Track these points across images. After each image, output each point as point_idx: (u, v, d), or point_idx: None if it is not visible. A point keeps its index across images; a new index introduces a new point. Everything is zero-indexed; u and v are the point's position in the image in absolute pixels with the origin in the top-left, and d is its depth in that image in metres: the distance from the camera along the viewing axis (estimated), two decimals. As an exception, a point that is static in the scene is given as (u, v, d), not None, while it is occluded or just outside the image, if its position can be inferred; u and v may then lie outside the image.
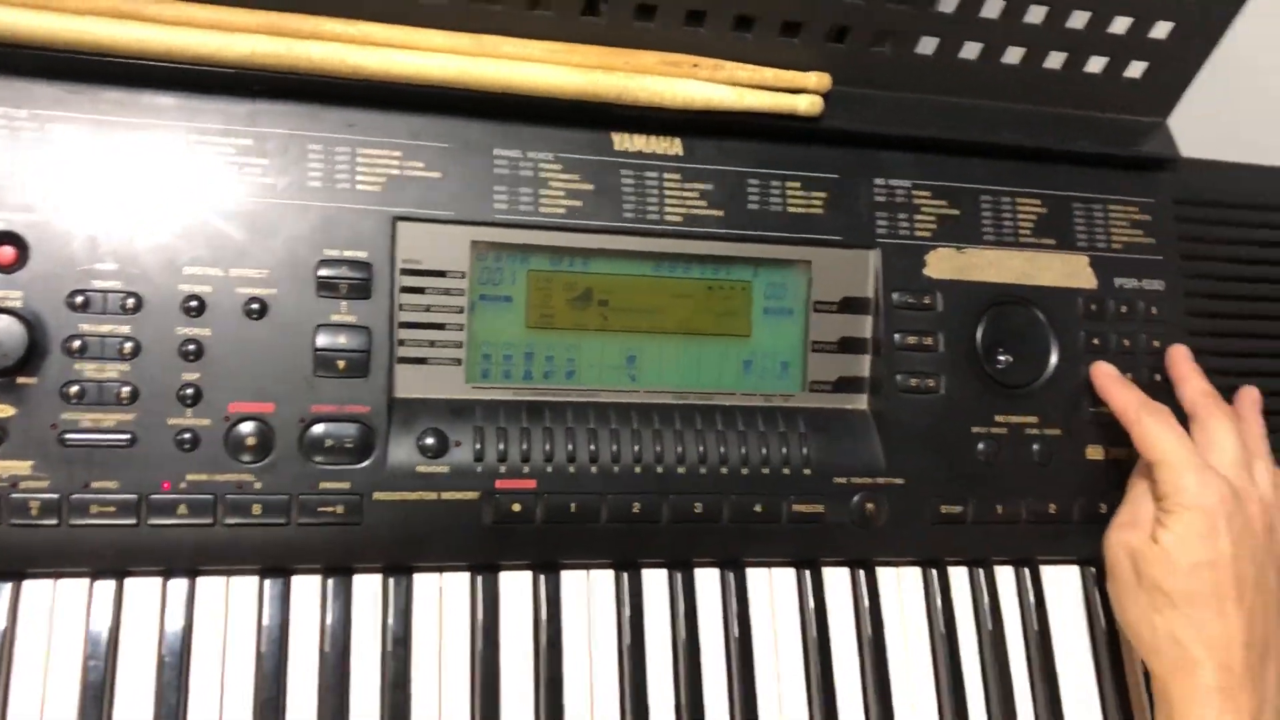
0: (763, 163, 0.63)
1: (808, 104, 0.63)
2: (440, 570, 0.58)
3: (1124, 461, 0.66)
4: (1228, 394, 0.66)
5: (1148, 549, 0.60)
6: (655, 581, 0.61)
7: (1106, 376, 0.65)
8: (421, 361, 0.58)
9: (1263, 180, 0.72)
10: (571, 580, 0.59)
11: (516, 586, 0.59)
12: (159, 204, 0.55)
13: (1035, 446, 0.65)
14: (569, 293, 0.61)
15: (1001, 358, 0.66)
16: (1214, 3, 0.64)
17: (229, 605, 0.55)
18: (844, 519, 0.62)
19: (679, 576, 0.61)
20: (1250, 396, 0.66)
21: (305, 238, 0.56)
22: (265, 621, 0.55)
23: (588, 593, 0.59)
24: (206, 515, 0.54)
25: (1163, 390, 0.66)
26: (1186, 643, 0.57)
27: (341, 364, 0.55)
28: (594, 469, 0.58)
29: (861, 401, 0.64)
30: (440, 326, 0.58)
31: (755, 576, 0.62)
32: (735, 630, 0.61)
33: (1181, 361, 0.66)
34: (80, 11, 0.54)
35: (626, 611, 0.59)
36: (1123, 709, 0.65)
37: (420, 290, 0.58)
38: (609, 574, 0.60)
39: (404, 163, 0.58)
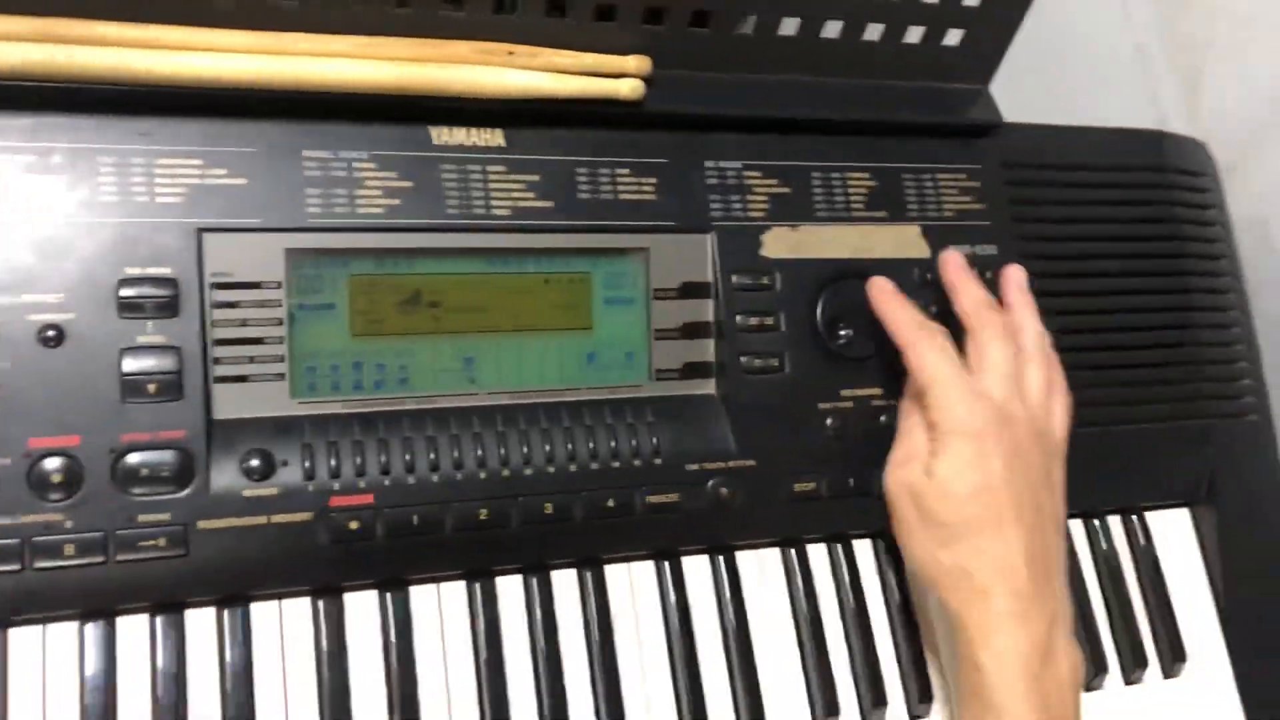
0: (590, 150, 0.62)
1: (630, 88, 0.62)
2: (279, 598, 0.55)
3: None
4: (1072, 354, 0.68)
5: (924, 483, 0.60)
6: (510, 588, 0.59)
7: (882, 292, 0.65)
8: (241, 379, 0.55)
9: (1086, 141, 0.74)
10: (421, 596, 0.57)
11: (362, 607, 0.56)
12: (-66, 230, 0.51)
13: (881, 418, 0.65)
14: (396, 296, 0.59)
15: (842, 332, 0.66)
16: (1019, -31, 0.66)
17: (46, 657, 0.52)
18: (700, 505, 0.61)
19: (534, 581, 0.59)
20: (1015, 281, 0.67)
21: (103, 257, 0.53)
22: (88, 671, 0.51)
23: (439, 607, 0.57)
24: (13, 561, 0.50)
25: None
26: (974, 571, 0.58)
27: (152, 387, 0.52)
28: (435, 478, 0.56)
29: (709, 386, 0.64)
30: (258, 341, 0.55)
31: (614, 574, 0.61)
32: (596, 633, 0.59)
33: (953, 270, 0.66)
34: None
35: (481, 623, 0.58)
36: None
37: (233, 304, 0.55)
38: (460, 585, 0.58)
39: (205, 171, 0.55)
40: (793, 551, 0.65)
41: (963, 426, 0.59)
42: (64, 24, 0.52)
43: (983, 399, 0.60)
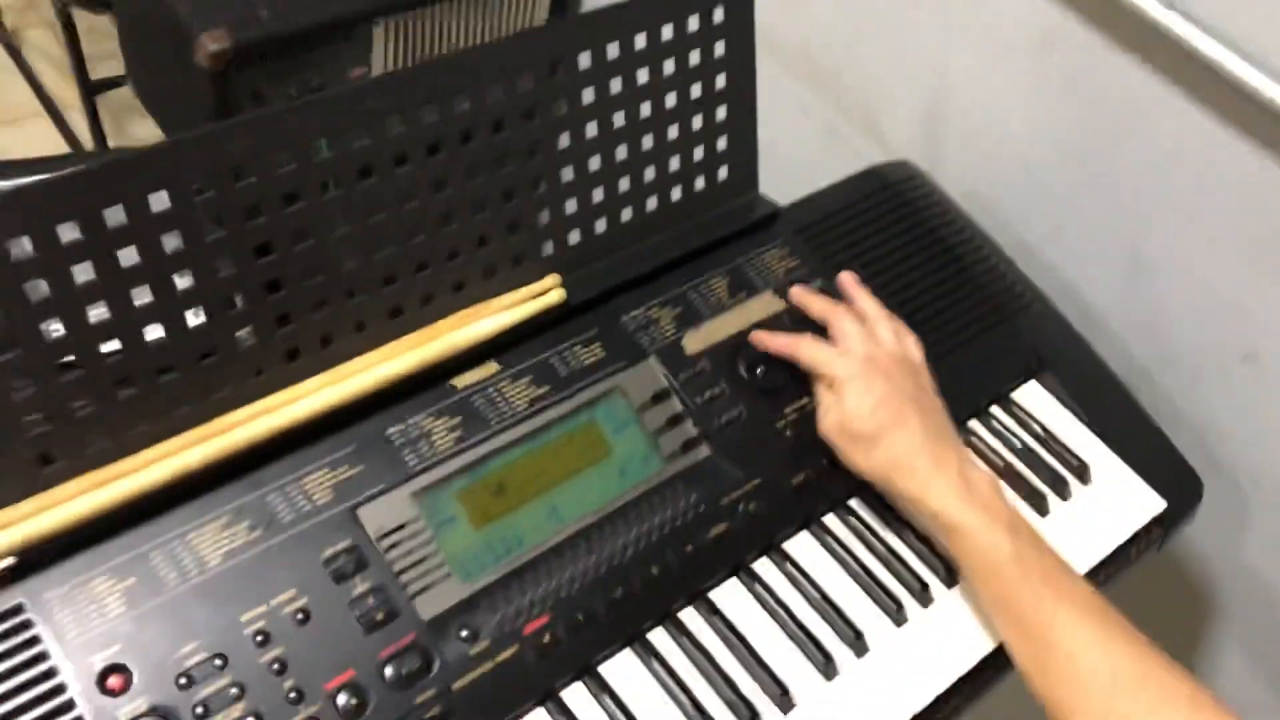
0: (552, 345, 0.88)
1: (558, 296, 0.89)
2: (523, 714, 0.76)
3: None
4: (911, 323, 0.97)
5: (841, 418, 0.84)
6: (658, 638, 0.81)
7: (764, 339, 0.90)
8: (427, 588, 0.76)
9: (841, 193, 1.06)
10: (608, 670, 0.79)
11: (576, 696, 0.78)
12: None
13: (810, 409, 0.90)
14: (489, 491, 0.81)
15: (760, 373, 0.92)
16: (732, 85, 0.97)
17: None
18: (742, 525, 0.85)
19: (672, 624, 0.81)
20: (848, 280, 0.93)
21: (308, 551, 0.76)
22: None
23: (623, 673, 0.79)
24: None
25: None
26: (898, 455, 0.81)
27: (380, 617, 0.73)
28: (577, 585, 0.79)
29: (705, 449, 0.88)
30: (423, 559, 0.77)
31: (718, 594, 0.84)
32: (733, 636, 0.81)
33: (801, 295, 0.93)
34: None
35: (657, 666, 0.79)
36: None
37: (397, 545, 0.77)
38: (627, 652, 0.80)
39: (335, 472, 0.78)
40: (815, 527, 0.89)
41: (846, 373, 0.84)
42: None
43: (850, 354, 0.87)
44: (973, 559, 0.79)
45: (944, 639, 0.83)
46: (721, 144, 0.97)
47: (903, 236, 1.05)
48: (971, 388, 0.98)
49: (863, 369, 0.85)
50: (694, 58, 0.92)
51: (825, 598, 0.85)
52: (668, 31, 0.90)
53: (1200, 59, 0.92)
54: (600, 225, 0.93)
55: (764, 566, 0.87)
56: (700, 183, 0.98)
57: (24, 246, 0.64)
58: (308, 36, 1.32)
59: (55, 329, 0.66)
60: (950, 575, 0.88)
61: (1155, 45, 0.97)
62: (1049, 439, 0.99)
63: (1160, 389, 1.10)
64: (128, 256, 0.68)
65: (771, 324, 0.95)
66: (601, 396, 0.88)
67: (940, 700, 0.80)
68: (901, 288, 1.01)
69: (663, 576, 0.82)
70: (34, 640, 0.66)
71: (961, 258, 1.06)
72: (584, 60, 0.86)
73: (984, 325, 1.03)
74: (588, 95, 0.87)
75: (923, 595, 0.86)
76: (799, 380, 0.92)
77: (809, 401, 0.92)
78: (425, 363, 0.83)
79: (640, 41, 0.88)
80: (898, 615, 0.85)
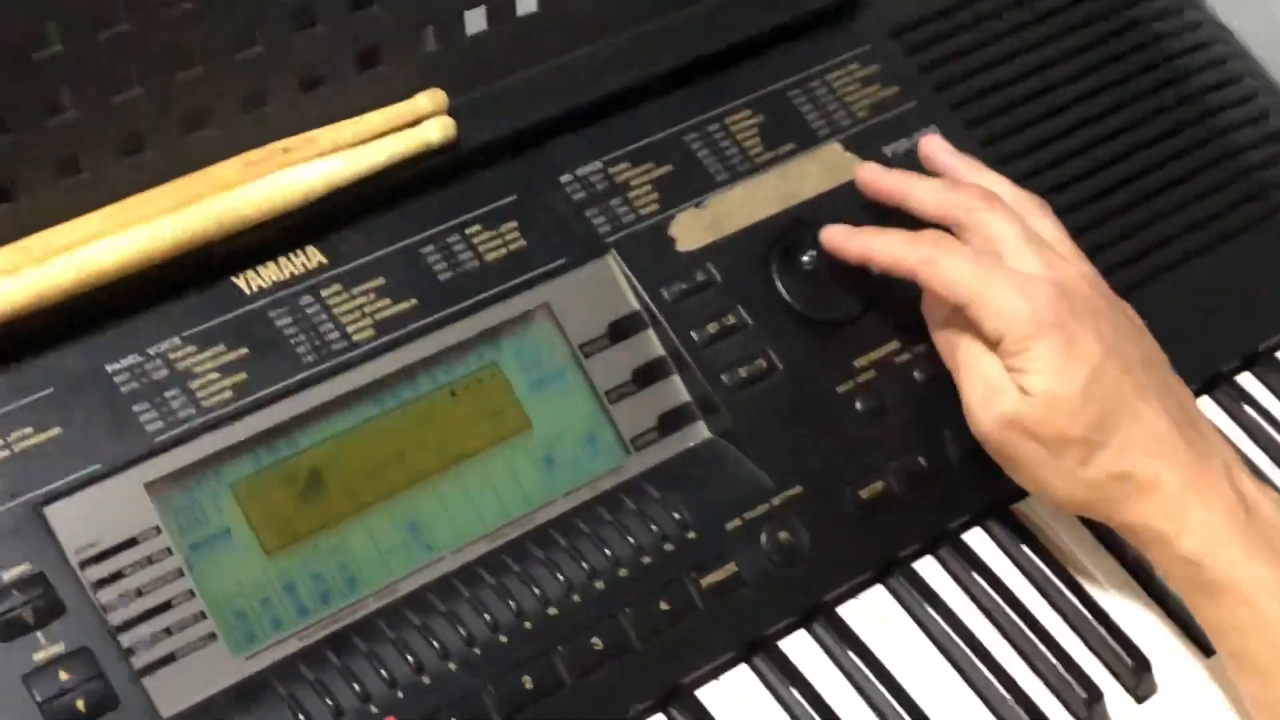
0: (428, 222, 0.82)
1: (440, 130, 0.81)
2: None
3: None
4: (1075, 208, 0.91)
5: (1026, 408, 0.78)
6: None
7: (845, 238, 0.85)
8: (169, 659, 0.69)
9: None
10: None
11: None
12: None
13: (916, 373, 0.85)
14: (293, 488, 0.75)
15: (821, 297, 0.86)
16: None
17: None
18: (765, 565, 0.79)
19: None
20: (938, 149, 0.88)
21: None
22: None
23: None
24: None
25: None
26: (1131, 469, 0.77)
27: (82, 706, 0.66)
28: (452, 667, 0.72)
29: (701, 429, 0.82)
30: (166, 606, 0.70)
31: (712, 697, 0.77)
32: None
33: (935, 158, 0.88)
34: None
35: None
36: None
37: (117, 575, 0.70)
38: None
39: (7, 439, 0.70)
40: (900, 578, 0.82)
41: (1035, 321, 0.78)
42: None
43: (1033, 280, 0.80)
44: (1254, 644, 0.76)
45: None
46: None
47: (1095, 52, 1.00)
48: (1206, 337, 0.94)
49: (1056, 309, 0.79)
50: None
51: (914, 711, 0.79)
52: None
53: None
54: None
55: (801, 647, 0.80)
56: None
57: None
58: None
59: None
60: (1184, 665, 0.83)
61: None
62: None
63: None
64: None
65: (841, 202, 0.89)
66: (514, 324, 0.81)
67: None
68: (1089, 156, 0.96)
69: (616, 657, 0.75)
70: None
71: (1210, 103, 1.01)
72: None
73: (1236, 222, 0.98)
74: None
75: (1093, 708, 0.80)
76: (892, 311, 0.87)
77: (909, 356, 0.86)
78: (184, 240, 0.75)
79: None
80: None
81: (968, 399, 0.81)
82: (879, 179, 0.87)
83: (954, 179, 0.87)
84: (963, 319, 0.81)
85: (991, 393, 0.80)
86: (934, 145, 0.89)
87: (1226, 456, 0.79)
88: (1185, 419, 0.80)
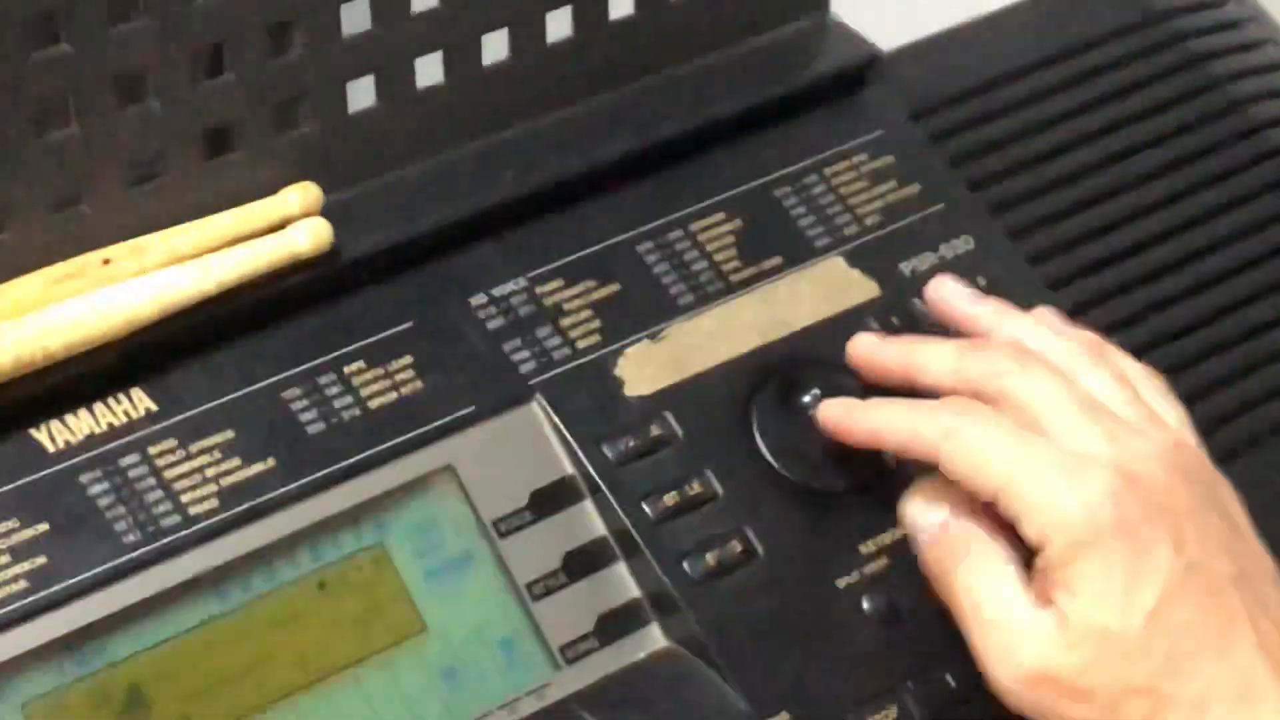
0: (293, 358, 0.88)
1: (311, 237, 0.88)
2: None
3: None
4: (1157, 343, 0.98)
5: (1067, 657, 0.80)
6: None
7: (841, 414, 0.89)
8: None
9: (1013, 26, 1.07)
10: None
11: None
12: None
13: None
14: (106, 710, 0.79)
15: (814, 458, 0.92)
16: None
17: None
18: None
19: None
20: (951, 293, 0.92)
21: None
22: None
23: None
24: None
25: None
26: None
27: None
28: None
29: (656, 635, 0.88)
30: None
31: None
32: None
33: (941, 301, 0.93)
34: None
35: None
36: None
37: None
38: None
39: None
40: None
41: (1090, 523, 0.80)
42: None
43: (1088, 463, 0.82)
44: None
45: None
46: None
47: (1157, 123, 1.07)
48: None
49: (1120, 507, 0.81)
50: None
51: None
52: None
53: None
54: (430, 67, 0.93)
55: None
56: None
57: None
58: None
59: None
60: None
61: None
62: None
63: None
64: None
65: (847, 333, 0.93)
66: (405, 492, 0.87)
67: None
68: (1166, 252, 1.03)
69: None
70: None
71: None
72: None
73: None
74: None
75: None
76: (910, 474, 0.91)
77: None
78: None
79: None
80: None
81: (980, 646, 0.83)
82: (876, 354, 0.91)
83: (975, 334, 0.91)
84: (966, 528, 0.85)
85: (1015, 636, 0.82)
86: (944, 290, 0.93)
87: None
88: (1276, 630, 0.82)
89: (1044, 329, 0.90)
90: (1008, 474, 0.81)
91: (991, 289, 0.97)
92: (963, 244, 0.99)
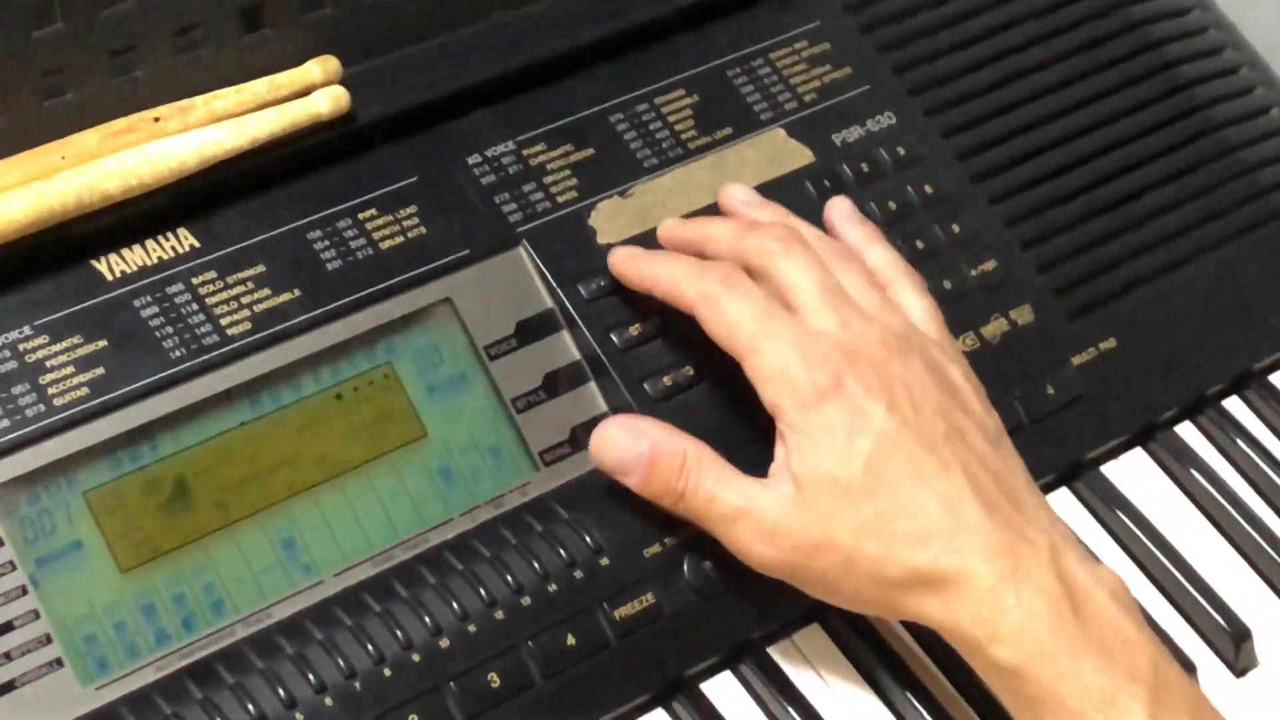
0: (315, 205, 0.85)
1: (331, 102, 0.85)
2: None
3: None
4: (1045, 206, 0.96)
5: (804, 511, 0.78)
6: None
7: (624, 261, 0.87)
8: (7, 688, 0.72)
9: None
10: None
11: None
12: None
13: None
14: (155, 498, 0.78)
15: None
16: None
17: None
18: (688, 599, 0.82)
19: None
20: (841, 214, 0.91)
21: None
22: None
23: None
24: None
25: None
26: (935, 562, 0.77)
27: None
28: (328, 701, 0.75)
29: None
30: (9, 627, 0.73)
31: None
32: None
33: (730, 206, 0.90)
34: None
35: None
36: None
37: None
38: None
39: None
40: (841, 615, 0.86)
41: (813, 388, 0.79)
42: None
43: (818, 339, 0.80)
44: None
45: None
46: None
47: (1081, 54, 1.05)
48: (1193, 350, 0.99)
49: (833, 375, 0.80)
50: None
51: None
52: None
53: None
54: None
55: (725, 690, 0.84)
56: None
57: None
58: None
59: None
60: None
61: None
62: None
63: None
64: None
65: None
66: (410, 320, 0.85)
67: None
68: (1064, 148, 1.01)
69: (515, 695, 0.78)
70: None
71: (1207, 112, 1.06)
72: None
73: (1227, 226, 1.03)
74: None
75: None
76: None
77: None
78: (37, 218, 0.79)
79: None
80: None
81: (731, 537, 0.81)
82: (676, 231, 0.89)
83: (754, 218, 0.89)
84: (673, 445, 0.82)
85: (759, 515, 0.80)
86: (732, 190, 0.91)
87: (1055, 539, 0.79)
88: (1003, 496, 0.80)
89: (816, 231, 0.89)
90: (753, 343, 0.81)
91: (908, 159, 0.96)
92: (885, 119, 0.98)
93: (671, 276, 0.84)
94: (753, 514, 0.79)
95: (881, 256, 0.88)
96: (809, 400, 0.79)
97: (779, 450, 0.80)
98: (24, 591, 0.74)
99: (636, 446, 0.81)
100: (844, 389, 0.79)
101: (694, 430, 0.84)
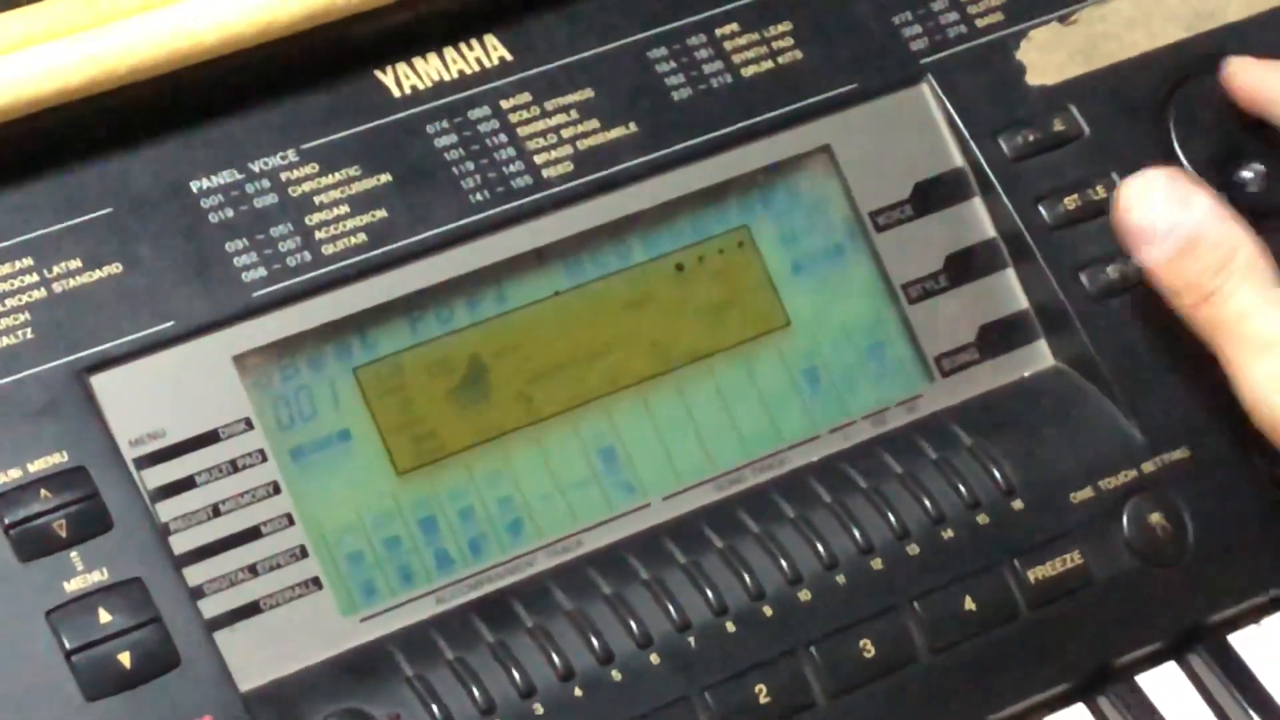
0: (662, 14, 0.84)
1: None
2: None
3: None
4: None
5: None
6: None
7: (1241, 68, 0.86)
8: (253, 610, 0.72)
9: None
10: None
11: None
12: None
13: None
14: (444, 381, 0.78)
15: (1246, 171, 0.87)
16: None
17: None
18: (1125, 563, 0.80)
19: None
20: None
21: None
22: None
23: None
24: None
25: None
26: None
27: (126, 661, 0.69)
28: (654, 659, 0.74)
29: (1043, 351, 0.84)
30: (254, 534, 0.73)
31: None
32: None
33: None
34: None
35: None
36: None
37: (187, 483, 0.73)
38: None
39: (47, 272, 0.73)
40: None
41: None
42: None
43: None
44: None
45: None
46: None
47: None
48: None
49: None
50: None
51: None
52: None
53: None
54: None
55: (1168, 685, 0.82)
56: None
57: None
58: None
59: None
60: None
61: None
62: None
63: None
64: None
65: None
66: (776, 172, 0.84)
67: None
68: None
69: (892, 673, 0.77)
70: None
71: None
72: None
73: None
74: None
75: None
76: None
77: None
78: (313, 11, 0.78)
79: None
80: None
81: (1249, 367, 0.80)
82: (1243, 73, 0.88)
83: None
84: (1229, 233, 0.80)
85: None
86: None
87: None
88: None
89: None
90: None
91: None
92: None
93: None
94: None
95: None
96: None
97: None
98: (276, 490, 0.74)
99: (1180, 214, 0.79)
100: None
101: (1145, 343, 0.84)
